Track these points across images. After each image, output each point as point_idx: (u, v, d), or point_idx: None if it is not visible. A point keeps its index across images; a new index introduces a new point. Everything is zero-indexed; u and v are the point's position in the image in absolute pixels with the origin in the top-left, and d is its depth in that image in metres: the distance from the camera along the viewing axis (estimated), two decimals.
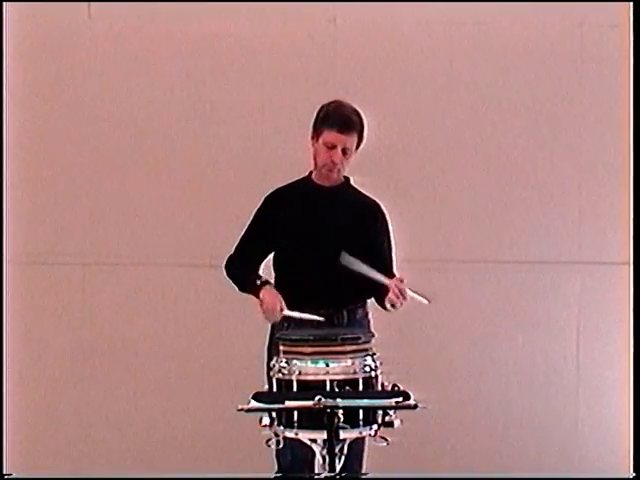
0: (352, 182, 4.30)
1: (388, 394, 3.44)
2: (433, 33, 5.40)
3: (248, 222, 4.29)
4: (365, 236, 4.21)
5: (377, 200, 4.29)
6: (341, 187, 4.26)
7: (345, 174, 4.25)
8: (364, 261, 4.17)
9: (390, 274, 4.17)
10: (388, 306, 4.00)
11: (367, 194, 4.30)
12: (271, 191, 4.29)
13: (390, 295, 3.94)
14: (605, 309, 5.42)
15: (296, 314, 4.03)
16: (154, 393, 5.40)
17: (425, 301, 3.93)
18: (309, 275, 4.13)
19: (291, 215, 4.22)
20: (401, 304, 3.94)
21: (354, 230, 4.20)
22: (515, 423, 5.44)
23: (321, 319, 4.02)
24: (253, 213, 4.28)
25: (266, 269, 4.28)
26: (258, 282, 4.13)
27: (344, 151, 4.11)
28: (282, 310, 4.03)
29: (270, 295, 4.08)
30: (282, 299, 4.05)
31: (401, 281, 3.96)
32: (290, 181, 4.32)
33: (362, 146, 4.18)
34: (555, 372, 5.45)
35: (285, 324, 4.09)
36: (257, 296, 4.10)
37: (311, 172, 4.26)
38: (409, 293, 3.94)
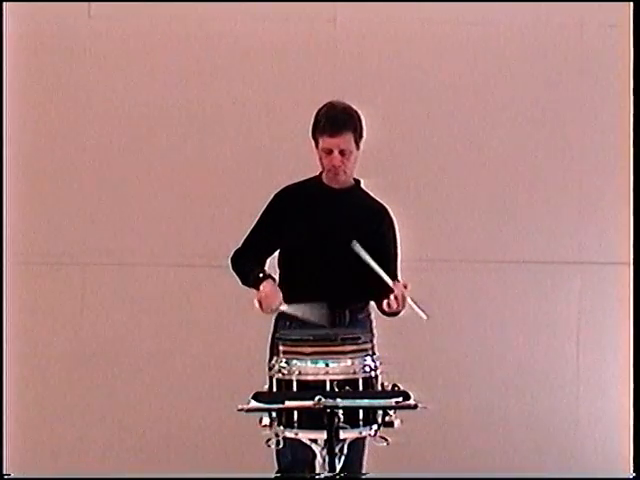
0: (362, 185, 4.29)
1: (388, 394, 3.44)
2: (433, 33, 5.40)
3: (257, 217, 4.26)
4: (370, 239, 4.18)
5: (386, 205, 4.27)
6: (350, 189, 4.24)
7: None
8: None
9: (393, 280, 4.17)
10: (385, 308, 3.99)
11: (376, 198, 4.28)
12: (280, 188, 4.27)
13: (391, 298, 3.93)
14: (605, 309, 5.42)
15: (292, 311, 4.00)
16: (154, 393, 5.40)
17: (423, 316, 3.90)
18: (313, 274, 4.11)
19: (298, 214, 4.21)
20: (397, 308, 3.94)
21: (359, 232, 4.16)
22: (515, 423, 5.44)
23: (318, 320, 3.98)
24: (262, 209, 4.25)
25: (271, 266, 4.28)
26: (260, 275, 4.10)
27: (342, 152, 4.09)
28: (280, 304, 4.01)
29: (270, 287, 4.05)
30: (282, 296, 4.02)
31: (405, 287, 3.95)
32: (296, 180, 4.30)
33: (364, 140, 4.15)
34: (555, 372, 5.45)
35: (287, 323, 4.09)
36: (257, 289, 4.08)
37: (321, 172, 4.25)
38: (409, 301, 3.93)
